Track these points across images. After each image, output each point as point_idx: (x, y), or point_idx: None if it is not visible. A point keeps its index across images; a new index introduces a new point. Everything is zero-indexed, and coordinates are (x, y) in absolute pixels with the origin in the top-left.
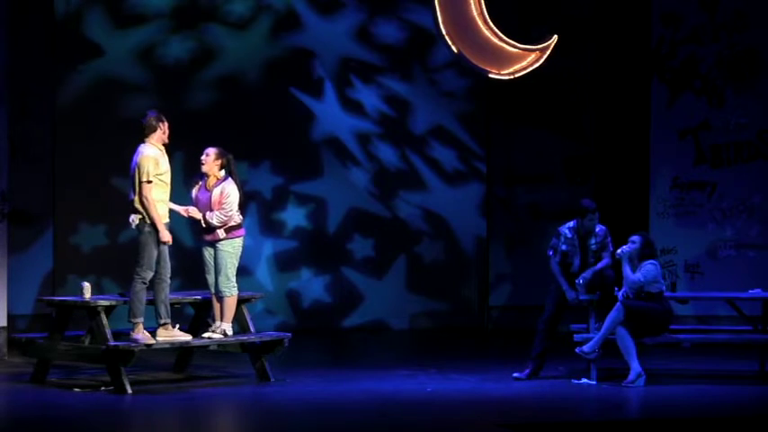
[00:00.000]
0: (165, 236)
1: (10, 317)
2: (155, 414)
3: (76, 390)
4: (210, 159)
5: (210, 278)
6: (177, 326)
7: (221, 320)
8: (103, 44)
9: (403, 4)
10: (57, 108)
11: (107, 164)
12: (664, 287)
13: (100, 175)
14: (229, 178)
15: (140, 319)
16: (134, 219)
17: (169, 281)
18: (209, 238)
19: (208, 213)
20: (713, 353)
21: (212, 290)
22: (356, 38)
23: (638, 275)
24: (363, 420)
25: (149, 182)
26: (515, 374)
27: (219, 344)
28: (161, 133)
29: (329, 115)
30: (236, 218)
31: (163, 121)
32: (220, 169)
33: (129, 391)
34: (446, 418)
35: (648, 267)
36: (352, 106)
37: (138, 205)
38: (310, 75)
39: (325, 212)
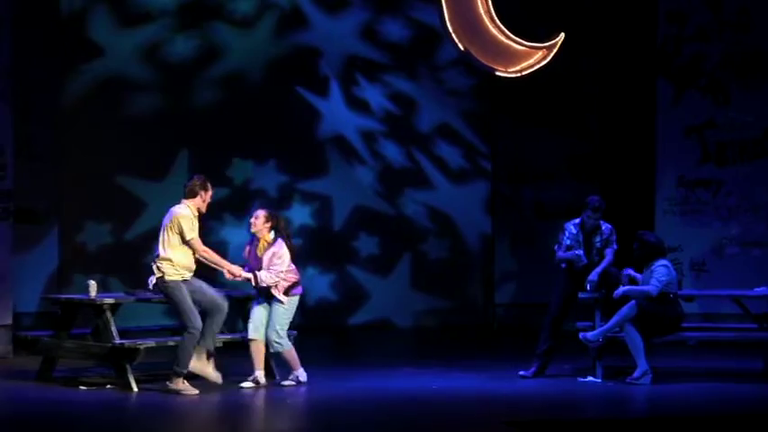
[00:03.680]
0: (235, 270)
1: (16, 315)
2: (160, 412)
3: (82, 388)
4: (260, 222)
5: (255, 327)
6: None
7: (259, 369)
8: (108, 43)
9: (409, 2)
10: (62, 107)
11: (112, 162)
12: (676, 288)
13: (105, 174)
14: (279, 240)
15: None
16: (152, 279)
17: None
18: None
19: (258, 273)
20: (719, 351)
21: (254, 336)
22: (362, 36)
23: (652, 285)
24: (369, 418)
25: (193, 238)
26: (521, 372)
27: (224, 342)
28: (200, 201)
29: (335, 113)
30: (293, 277)
31: (206, 190)
32: (270, 231)
33: (135, 389)
34: (452, 416)
35: (660, 271)
36: (358, 104)
37: (162, 261)
38: (316, 73)
39: (331, 210)
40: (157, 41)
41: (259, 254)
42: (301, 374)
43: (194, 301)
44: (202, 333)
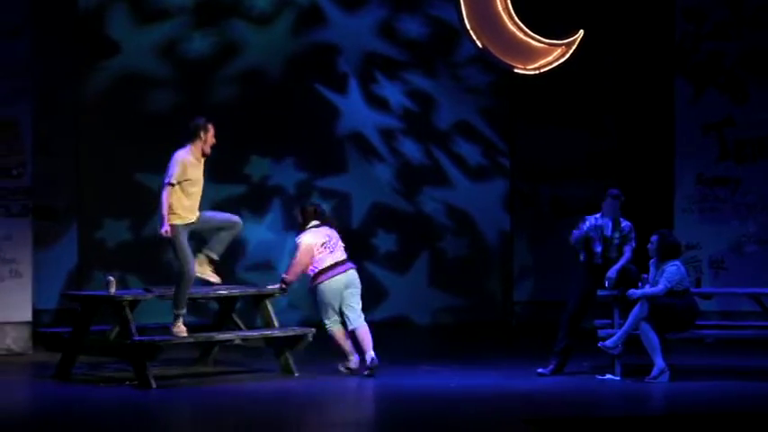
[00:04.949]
0: (163, 228)
1: (35, 312)
2: (179, 409)
3: (101, 384)
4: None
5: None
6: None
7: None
8: (126, 40)
9: None
10: (80, 104)
11: (131, 159)
12: (688, 284)
13: (124, 171)
14: (305, 231)
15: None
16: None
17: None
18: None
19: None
20: (737, 348)
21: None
22: (380, 33)
23: (661, 286)
24: (387, 415)
25: (171, 184)
26: (539, 370)
27: (243, 338)
28: (201, 143)
29: (353, 111)
30: (319, 264)
31: (207, 131)
32: (303, 224)
33: (154, 385)
34: (470, 414)
35: (670, 270)
36: (376, 102)
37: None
38: (334, 70)
39: (349, 208)
40: (175, 38)
41: None
42: (352, 362)
43: (209, 230)
44: (212, 241)
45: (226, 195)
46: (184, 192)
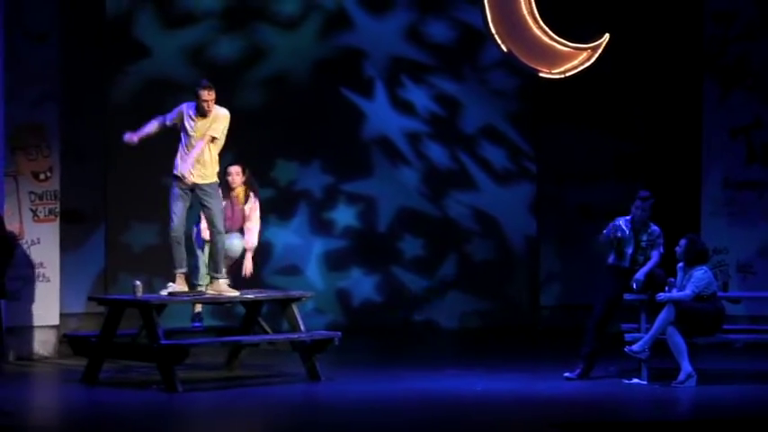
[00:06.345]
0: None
1: (62, 315)
2: (205, 412)
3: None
4: (240, 177)
5: None
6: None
7: None
8: (153, 44)
9: (453, 3)
10: (108, 108)
11: (158, 163)
12: (716, 287)
13: (151, 174)
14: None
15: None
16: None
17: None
18: None
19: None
20: (765, 353)
21: None
22: (406, 37)
23: (688, 290)
24: (412, 419)
25: (163, 123)
26: (566, 374)
27: (269, 342)
28: (200, 101)
29: (379, 115)
30: None
31: (201, 88)
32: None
33: (180, 389)
34: (496, 418)
35: (698, 275)
36: (403, 106)
37: None
38: (360, 74)
39: (376, 212)
40: (202, 43)
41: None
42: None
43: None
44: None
45: None
46: (180, 141)
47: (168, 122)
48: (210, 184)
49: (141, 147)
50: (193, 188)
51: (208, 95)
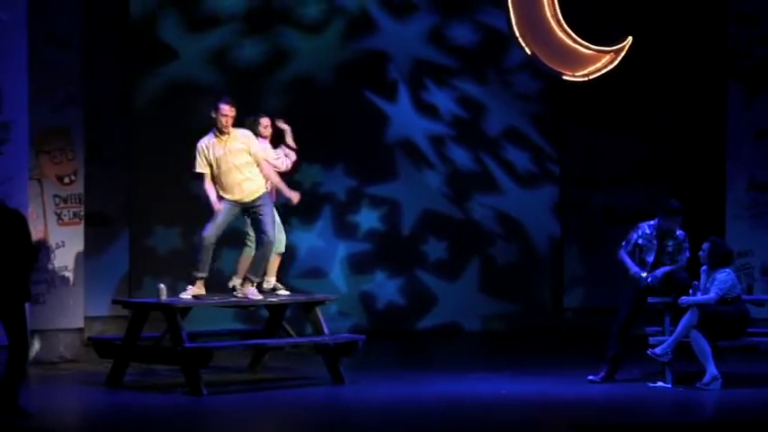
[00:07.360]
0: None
1: (87, 319)
2: (230, 415)
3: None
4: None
5: None
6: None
7: None
8: (177, 47)
9: (476, 5)
10: (132, 111)
11: (182, 166)
12: (740, 290)
13: (175, 178)
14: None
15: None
16: None
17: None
18: None
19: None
20: None
21: None
22: (429, 40)
23: (712, 293)
24: (437, 422)
25: (198, 174)
26: (590, 377)
27: (293, 346)
28: (219, 116)
29: (403, 118)
30: None
31: (217, 108)
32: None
33: (205, 392)
34: (520, 420)
35: (721, 278)
36: (426, 108)
37: None
38: (384, 77)
39: (399, 214)
40: (226, 46)
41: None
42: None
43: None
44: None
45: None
46: (214, 175)
47: (198, 170)
48: (261, 196)
49: (165, 150)
50: (246, 208)
51: (229, 111)
